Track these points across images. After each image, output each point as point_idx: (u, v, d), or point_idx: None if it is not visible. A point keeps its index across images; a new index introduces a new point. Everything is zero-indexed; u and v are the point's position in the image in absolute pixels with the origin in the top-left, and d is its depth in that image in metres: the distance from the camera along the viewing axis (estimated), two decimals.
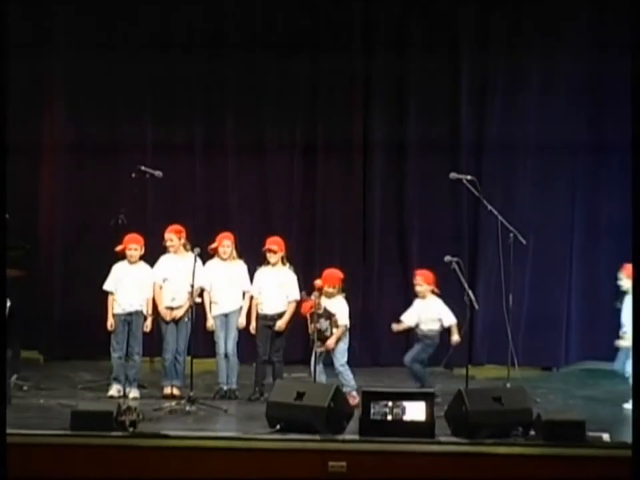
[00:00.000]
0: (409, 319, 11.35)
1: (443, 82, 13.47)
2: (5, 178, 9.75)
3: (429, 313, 11.31)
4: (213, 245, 11.48)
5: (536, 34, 13.32)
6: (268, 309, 11.41)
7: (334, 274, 11.28)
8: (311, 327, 10.97)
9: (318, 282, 11.13)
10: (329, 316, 11.02)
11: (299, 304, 11.21)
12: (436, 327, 11.29)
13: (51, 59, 13.41)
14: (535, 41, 13.31)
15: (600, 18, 13.25)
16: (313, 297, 10.91)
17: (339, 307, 11.15)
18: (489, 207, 11.64)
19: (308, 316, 11.01)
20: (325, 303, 11.08)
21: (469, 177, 11.87)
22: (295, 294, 11.38)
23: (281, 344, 11.42)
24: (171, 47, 13.31)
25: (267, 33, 13.38)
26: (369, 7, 13.43)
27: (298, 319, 11.39)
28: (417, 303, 11.38)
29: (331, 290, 11.14)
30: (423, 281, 11.36)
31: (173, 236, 11.44)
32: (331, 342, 11.02)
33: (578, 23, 13.31)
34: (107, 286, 11.44)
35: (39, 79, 13.47)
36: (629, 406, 10.99)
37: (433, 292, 11.38)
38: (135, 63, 13.19)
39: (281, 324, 11.35)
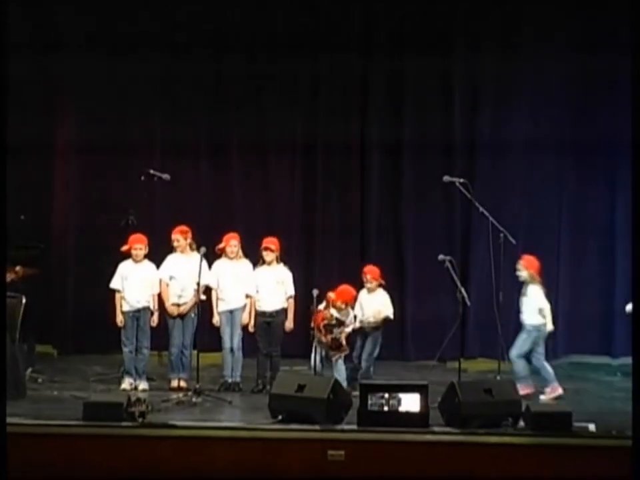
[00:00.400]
0: (358, 312, 11.47)
1: (438, 84, 13.54)
2: (5, 178, 9.80)
3: (375, 304, 11.42)
4: (221, 245, 11.56)
5: (527, 37, 13.31)
6: (266, 306, 11.51)
7: (348, 291, 11.36)
8: (326, 338, 11.03)
9: (331, 295, 11.22)
10: (340, 324, 11.11)
11: (309, 315, 11.21)
12: (376, 317, 11.43)
13: (65, 60, 13.44)
14: (526, 44, 13.32)
15: (591, 19, 13.24)
16: (320, 307, 11.03)
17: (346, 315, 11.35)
18: (481, 209, 11.72)
19: (320, 327, 11.04)
20: (334, 313, 11.22)
21: (461, 180, 11.93)
22: (292, 290, 11.51)
23: (279, 339, 11.53)
24: (176, 50, 13.32)
25: (267, 36, 13.41)
26: (367, 10, 13.49)
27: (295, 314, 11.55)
28: (364, 295, 11.46)
29: (343, 306, 11.24)
30: (371, 278, 11.46)
31: (179, 236, 11.54)
32: (345, 347, 11.17)
33: (569, 24, 13.30)
34: (113, 284, 11.52)
35: (53, 80, 13.51)
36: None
37: (380, 285, 11.49)
38: (141, 66, 13.20)
39: (289, 324, 11.49)
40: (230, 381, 11.45)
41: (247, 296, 11.51)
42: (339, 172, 13.67)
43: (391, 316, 11.49)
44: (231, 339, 11.49)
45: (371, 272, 11.54)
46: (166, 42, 13.36)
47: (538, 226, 13.12)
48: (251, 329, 11.54)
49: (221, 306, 11.54)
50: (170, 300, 11.54)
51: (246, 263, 11.62)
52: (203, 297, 11.41)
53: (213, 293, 11.55)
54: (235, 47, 13.44)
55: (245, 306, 11.54)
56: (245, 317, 11.52)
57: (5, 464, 8.12)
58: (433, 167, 13.15)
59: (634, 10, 10.36)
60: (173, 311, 11.50)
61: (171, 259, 11.60)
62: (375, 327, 11.41)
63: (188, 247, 11.57)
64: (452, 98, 13.59)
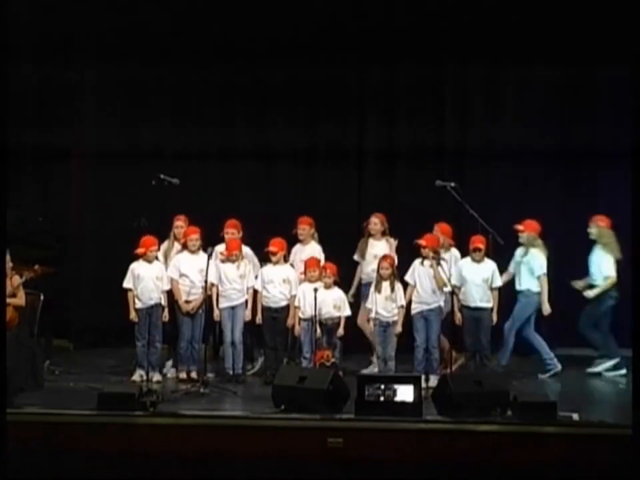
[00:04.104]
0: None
1: (430, 94, 13.49)
2: (6, 179, 9.77)
3: (332, 301, 11.26)
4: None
5: (514, 48, 13.18)
6: (272, 302, 11.47)
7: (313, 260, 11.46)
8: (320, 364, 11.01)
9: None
10: (333, 365, 10.99)
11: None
12: (337, 313, 11.28)
13: (82, 69, 13.44)
14: (514, 55, 13.22)
15: (577, 31, 13.10)
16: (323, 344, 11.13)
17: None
18: (470, 211, 11.69)
19: (317, 363, 10.99)
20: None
21: (452, 184, 11.91)
22: (296, 289, 11.46)
23: (283, 333, 11.48)
24: (184, 60, 13.28)
25: (269, 45, 13.31)
26: (362, 23, 13.45)
27: None
28: (320, 291, 11.15)
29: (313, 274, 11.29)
30: (330, 273, 11.32)
31: (198, 237, 11.52)
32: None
33: (556, 33, 13.15)
34: (126, 284, 11.44)
35: (70, 89, 13.49)
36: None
37: (335, 282, 11.38)
38: (152, 75, 13.21)
39: (291, 321, 11.41)
40: (232, 372, 11.40)
41: (254, 291, 11.47)
42: (336, 177, 13.61)
43: (348, 312, 11.38)
44: (232, 333, 11.43)
45: (330, 267, 11.41)
46: (174, 53, 13.28)
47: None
48: (257, 321, 11.49)
49: (223, 302, 11.48)
50: (182, 297, 11.50)
51: (246, 262, 11.56)
52: (209, 293, 11.37)
53: (213, 290, 11.47)
54: (239, 56, 13.36)
55: (246, 302, 11.49)
56: (247, 313, 11.48)
57: (6, 456, 8.09)
58: (426, 173, 13.08)
59: (635, 18, 10.26)
60: (186, 307, 11.44)
61: (181, 258, 11.56)
62: (337, 323, 11.29)
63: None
64: (443, 107, 13.54)
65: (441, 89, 13.55)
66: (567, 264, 13.00)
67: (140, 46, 13.22)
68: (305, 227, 11.79)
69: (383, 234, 11.84)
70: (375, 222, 11.83)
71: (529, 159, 13.31)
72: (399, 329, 11.20)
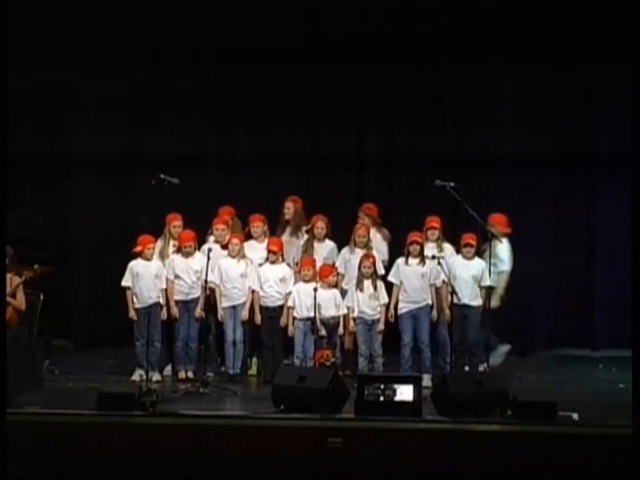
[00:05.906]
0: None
1: (430, 99, 13.48)
2: (6, 180, 9.73)
3: (329, 296, 11.23)
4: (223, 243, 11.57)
5: (513, 53, 13.22)
6: (269, 301, 11.45)
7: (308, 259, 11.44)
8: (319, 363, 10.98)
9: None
10: (333, 364, 10.95)
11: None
12: (338, 312, 11.24)
13: (81, 76, 13.41)
14: (512, 60, 13.23)
15: (575, 35, 13.15)
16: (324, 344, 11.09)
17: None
18: (470, 211, 11.68)
19: (317, 362, 10.94)
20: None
21: (452, 184, 11.90)
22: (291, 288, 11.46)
23: (281, 332, 11.45)
24: (185, 65, 13.29)
25: (269, 51, 13.33)
26: (363, 29, 13.44)
27: None
28: (320, 292, 11.10)
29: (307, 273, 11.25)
30: (329, 273, 11.29)
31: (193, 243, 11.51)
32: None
33: (557, 38, 13.15)
34: (124, 282, 11.43)
35: (70, 94, 13.52)
36: None
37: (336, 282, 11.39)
38: (151, 80, 13.21)
39: (284, 320, 11.39)
40: (231, 372, 11.38)
41: (252, 291, 11.45)
42: (336, 182, 13.58)
43: (344, 310, 11.33)
44: (234, 333, 11.41)
45: (327, 268, 11.40)
46: (175, 58, 13.31)
47: (524, 226, 13.02)
48: (257, 321, 11.46)
49: (224, 302, 11.46)
50: (178, 297, 11.45)
51: (248, 262, 11.54)
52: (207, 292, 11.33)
53: (217, 290, 11.45)
54: (239, 61, 13.36)
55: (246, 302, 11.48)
56: (245, 313, 11.45)
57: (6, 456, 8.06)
58: (425, 178, 13.04)
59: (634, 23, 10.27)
60: (174, 311, 11.40)
61: (176, 259, 11.53)
62: (337, 322, 11.26)
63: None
64: (443, 112, 13.53)
65: (441, 93, 13.54)
66: (565, 266, 13.07)
67: (139, 52, 13.24)
68: (258, 224, 11.77)
69: (325, 237, 11.82)
70: (322, 226, 11.79)
71: (529, 164, 13.30)
72: (381, 326, 11.21)
